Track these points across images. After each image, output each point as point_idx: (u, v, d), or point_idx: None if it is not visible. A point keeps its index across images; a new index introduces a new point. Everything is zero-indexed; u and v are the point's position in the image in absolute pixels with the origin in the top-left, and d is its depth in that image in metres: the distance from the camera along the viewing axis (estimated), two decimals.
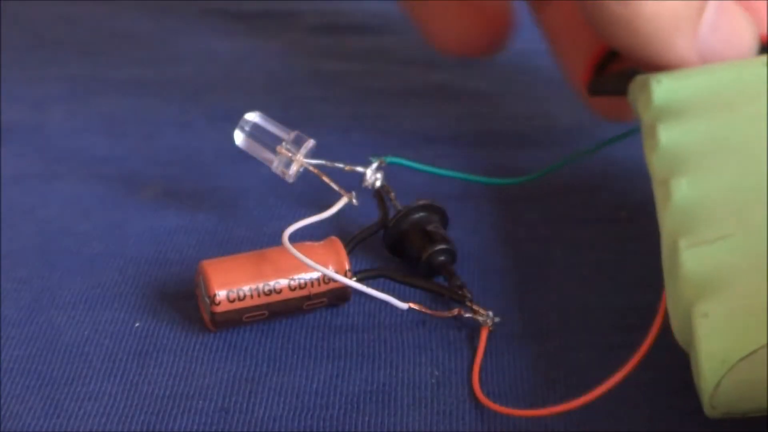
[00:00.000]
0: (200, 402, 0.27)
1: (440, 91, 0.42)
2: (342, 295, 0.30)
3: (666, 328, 0.25)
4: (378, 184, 0.32)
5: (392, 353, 0.29)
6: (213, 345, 0.29)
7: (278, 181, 0.36)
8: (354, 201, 0.32)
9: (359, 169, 0.32)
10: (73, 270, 0.32)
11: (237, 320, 0.29)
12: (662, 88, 0.29)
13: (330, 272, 0.29)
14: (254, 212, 0.35)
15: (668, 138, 0.27)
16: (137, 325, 0.30)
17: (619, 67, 0.33)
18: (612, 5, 0.29)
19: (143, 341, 0.29)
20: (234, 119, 0.34)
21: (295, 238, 0.29)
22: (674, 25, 0.29)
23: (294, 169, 0.32)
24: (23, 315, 0.30)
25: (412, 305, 0.29)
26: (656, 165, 0.27)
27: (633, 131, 0.33)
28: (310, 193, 0.35)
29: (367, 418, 0.27)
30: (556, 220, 0.34)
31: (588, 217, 0.34)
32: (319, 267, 0.29)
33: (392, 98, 0.42)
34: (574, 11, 0.34)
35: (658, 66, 0.30)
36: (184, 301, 0.30)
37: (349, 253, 0.31)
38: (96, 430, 0.26)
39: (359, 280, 0.30)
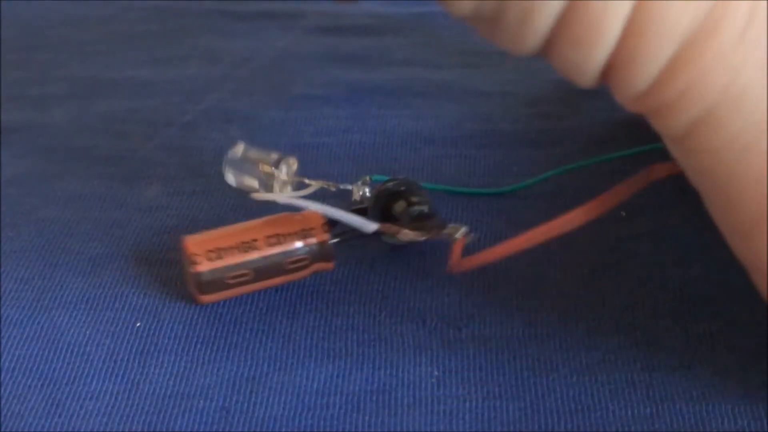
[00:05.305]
0: (201, 401, 0.27)
1: (440, 91, 0.42)
2: (323, 251, 0.30)
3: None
4: (367, 195, 0.33)
5: (392, 353, 0.29)
6: (213, 345, 0.29)
7: None
8: (332, 189, 0.33)
9: (347, 186, 0.34)
10: (74, 270, 0.32)
11: (222, 283, 0.29)
12: None
13: (297, 199, 0.30)
14: (254, 212, 0.35)
15: None
16: (138, 324, 0.30)
17: None
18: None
19: (144, 341, 0.29)
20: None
21: None
22: None
23: (278, 190, 0.33)
24: (24, 315, 0.30)
25: (380, 227, 0.30)
26: None
27: (625, 153, 0.36)
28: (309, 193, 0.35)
29: (367, 418, 0.27)
30: None
31: None
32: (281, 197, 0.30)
33: (392, 98, 0.42)
34: None
35: None
36: (184, 301, 0.30)
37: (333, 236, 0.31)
38: (97, 430, 0.26)
39: (338, 236, 0.30)
